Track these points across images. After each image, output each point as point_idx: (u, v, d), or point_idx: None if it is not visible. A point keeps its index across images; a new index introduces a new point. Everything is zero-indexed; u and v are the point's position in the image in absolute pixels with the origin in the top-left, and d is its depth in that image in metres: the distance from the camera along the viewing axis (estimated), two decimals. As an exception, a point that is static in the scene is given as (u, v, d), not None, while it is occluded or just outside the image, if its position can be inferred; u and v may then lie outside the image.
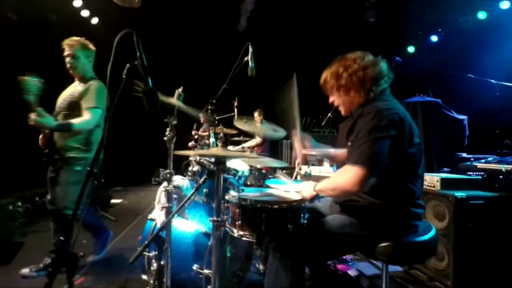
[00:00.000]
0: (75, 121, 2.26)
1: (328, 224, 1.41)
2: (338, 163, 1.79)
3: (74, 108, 2.35)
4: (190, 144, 5.95)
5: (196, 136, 6.03)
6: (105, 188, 5.29)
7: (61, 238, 1.00)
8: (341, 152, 1.83)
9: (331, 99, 1.62)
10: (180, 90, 1.61)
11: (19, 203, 3.70)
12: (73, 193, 2.30)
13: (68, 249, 1.93)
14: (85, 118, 2.30)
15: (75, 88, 2.42)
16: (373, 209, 1.38)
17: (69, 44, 2.40)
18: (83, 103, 2.33)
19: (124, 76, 1.07)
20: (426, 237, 1.37)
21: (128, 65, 1.07)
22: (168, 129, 1.55)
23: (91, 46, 2.50)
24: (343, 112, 1.61)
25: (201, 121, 6.79)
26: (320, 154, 1.88)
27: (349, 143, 1.50)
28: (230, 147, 4.41)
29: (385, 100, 1.46)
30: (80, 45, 2.42)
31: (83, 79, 2.44)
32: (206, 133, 6.20)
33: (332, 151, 1.88)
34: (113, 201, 5.08)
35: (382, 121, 1.31)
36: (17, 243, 3.06)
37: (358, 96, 1.48)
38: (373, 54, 1.55)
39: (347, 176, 1.28)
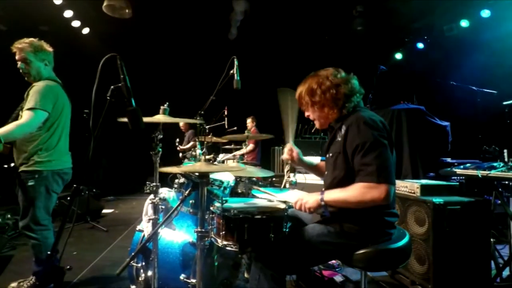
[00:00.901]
0: (3, 128, 1.94)
1: (308, 233, 1.47)
2: (321, 175, 1.84)
3: None
4: (181, 156, 6.02)
5: (181, 151, 6.17)
6: (96, 198, 5.28)
7: (49, 252, 1.03)
8: (321, 163, 1.90)
9: (306, 114, 1.70)
10: (165, 105, 1.67)
11: (8, 216, 3.70)
12: (30, 211, 2.15)
13: (55, 263, 1.95)
14: (18, 121, 2.02)
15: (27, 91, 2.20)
16: (349, 218, 1.45)
17: (19, 48, 2.14)
18: (25, 105, 2.08)
19: (108, 97, 1.13)
20: (400, 244, 1.44)
21: (112, 87, 1.13)
22: (153, 143, 1.61)
23: (47, 47, 2.24)
24: (317, 126, 1.70)
25: (182, 129, 6.85)
26: (305, 168, 1.93)
27: (330, 155, 1.57)
28: (221, 155, 4.47)
29: (363, 111, 1.54)
30: (32, 47, 2.15)
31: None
32: (190, 144, 6.27)
33: (316, 162, 1.94)
34: (104, 211, 5.07)
35: (376, 128, 1.40)
36: (6, 256, 3.05)
37: (332, 112, 1.57)
38: (361, 61, 1.64)
39: (374, 194, 1.33)
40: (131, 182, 7.39)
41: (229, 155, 4.66)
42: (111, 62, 1.14)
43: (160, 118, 1.68)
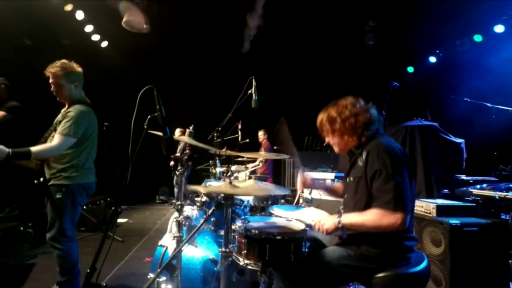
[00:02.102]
0: (35, 148, 2.12)
1: (328, 255, 1.52)
2: (337, 196, 1.91)
3: None
4: (171, 163, 5.97)
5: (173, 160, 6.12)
6: (110, 207, 5.40)
7: (88, 271, 1.10)
8: (337, 185, 1.98)
9: (326, 139, 1.77)
10: (191, 128, 1.76)
11: (30, 224, 3.82)
12: (58, 223, 2.28)
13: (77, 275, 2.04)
14: (50, 144, 2.22)
15: (62, 113, 2.39)
16: (368, 242, 1.49)
17: (52, 73, 2.31)
18: (58, 128, 2.25)
19: (145, 126, 1.22)
20: (418, 268, 1.47)
21: (149, 116, 1.22)
22: (180, 164, 1.69)
23: (76, 69, 2.39)
24: (336, 150, 1.76)
25: (175, 138, 6.87)
26: (320, 188, 2.01)
27: (351, 179, 1.63)
28: (233, 167, 4.53)
29: (383, 137, 1.61)
30: (63, 70, 2.31)
31: (71, 104, 2.38)
32: (187, 152, 6.25)
33: (331, 185, 2.02)
34: (118, 220, 5.17)
35: (394, 156, 1.46)
36: (28, 264, 3.15)
37: (352, 139, 1.64)
38: (373, 75, 1.70)
39: (390, 221, 1.38)
40: (143, 191, 7.51)
41: (242, 168, 4.71)
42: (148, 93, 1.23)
43: (185, 139, 1.76)
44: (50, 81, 2.32)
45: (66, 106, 2.43)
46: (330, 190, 1.98)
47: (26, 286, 2.71)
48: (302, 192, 2.00)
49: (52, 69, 2.30)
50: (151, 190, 7.45)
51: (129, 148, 1.18)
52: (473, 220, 2.23)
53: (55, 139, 2.23)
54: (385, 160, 1.46)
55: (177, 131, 6.74)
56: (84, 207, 4.69)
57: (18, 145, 2.09)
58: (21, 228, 3.72)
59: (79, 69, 2.44)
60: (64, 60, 2.37)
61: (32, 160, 2.32)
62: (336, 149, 1.73)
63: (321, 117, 1.71)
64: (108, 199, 5.31)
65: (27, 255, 3.30)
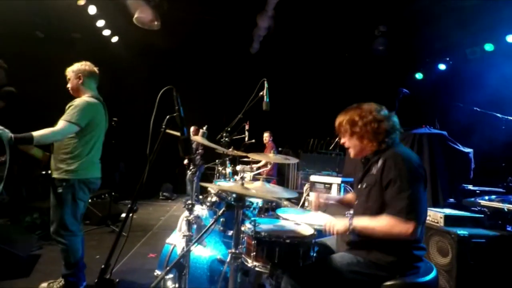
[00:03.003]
0: (37, 132, 2.14)
1: (337, 261, 1.53)
2: (349, 207, 1.92)
3: None
4: (185, 162, 6.03)
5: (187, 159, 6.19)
6: (115, 202, 5.43)
7: (102, 266, 1.12)
8: (348, 196, 2.00)
9: (342, 141, 1.76)
10: (204, 128, 1.77)
11: (36, 215, 3.86)
12: (59, 217, 2.32)
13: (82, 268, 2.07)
14: (51, 129, 2.22)
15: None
16: (378, 249, 1.49)
17: (68, 71, 2.50)
18: (63, 115, 2.31)
19: (163, 126, 1.23)
20: (427, 278, 1.47)
21: (168, 116, 1.23)
22: (192, 164, 1.70)
23: (86, 67, 2.52)
24: (352, 154, 1.75)
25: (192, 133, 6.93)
26: (333, 200, 2.03)
27: (364, 186, 1.63)
28: (238, 167, 4.55)
29: (400, 147, 1.61)
30: (72, 71, 2.48)
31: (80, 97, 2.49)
32: (200, 151, 6.29)
33: (340, 197, 2.04)
34: (123, 215, 5.20)
35: (411, 167, 1.47)
36: (34, 255, 3.19)
37: (371, 145, 1.64)
38: (382, 80, 1.70)
39: (402, 229, 1.39)
40: (147, 187, 7.55)
41: (247, 168, 4.72)
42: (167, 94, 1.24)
43: (198, 139, 1.77)
44: (68, 84, 2.52)
45: None
46: (342, 202, 2.00)
47: (31, 277, 2.74)
48: (308, 190, 2.01)
49: (72, 73, 2.50)
50: (154, 186, 7.48)
51: (147, 147, 1.19)
52: (481, 232, 2.23)
53: (58, 124, 2.26)
54: (402, 170, 1.46)
55: (191, 129, 6.77)
56: (90, 200, 4.75)
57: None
58: (29, 219, 3.77)
59: (87, 67, 2.53)
60: (83, 63, 2.53)
61: (38, 149, 2.37)
62: (352, 152, 1.72)
63: (342, 118, 1.70)
64: (113, 193, 5.36)
65: (34, 246, 3.33)
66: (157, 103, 1.20)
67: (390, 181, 1.47)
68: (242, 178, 1.51)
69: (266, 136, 6.32)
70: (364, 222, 1.50)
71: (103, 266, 1.14)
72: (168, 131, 1.29)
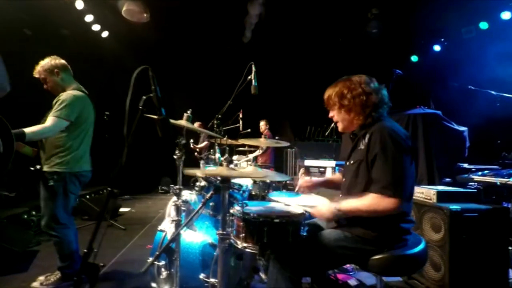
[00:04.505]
0: (29, 129, 2.14)
1: (325, 237, 1.52)
2: (337, 187, 1.90)
3: None
4: (196, 154, 6.12)
5: (196, 149, 6.26)
6: (113, 197, 5.45)
7: (85, 250, 1.11)
8: (335, 177, 2.00)
9: (331, 114, 1.73)
10: (189, 112, 1.75)
11: (33, 212, 3.87)
12: (50, 210, 2.32)
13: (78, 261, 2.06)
14: (42, 125, 2.23)
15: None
16: (365, 224, 1.48)
17: (37, 72, 2.43)
18: (51, 111, 2.30)
19: (140, 107, 1.21)
20: (415, 250, 1.47)
21: (144, 97, 1.21)
22: (177, 148, 1.69)
23: (56, 62, 2.45)
24: (340, 128, 1.73)
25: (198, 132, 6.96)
26: (323, 187, 2.00)
27: (352, 162, 1.61)
28: (235, 157, 4.54)
29: (388, 121, 1.58)
30: (44, 69, 2.41)
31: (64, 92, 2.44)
32: (205, 143, 6.35)
33: (329, 177, 2.01)
34: (121, 209, 5.22)
35: (398, 141, 1.44)
36: (32, 251, 3.21)
37: (358, 118, 1.60)
38: (376, 63, 1.66)
39: (386, 206, 1.39)
40: (146, 181, 7.57)
41: (244, 158, 4.72)
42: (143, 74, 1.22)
43: (183, 123, 1.76)
44: (41, 81, 2.44)
45: None
46: (329, 183, 1.97)
47: (29, 272, 2.75)
48: (303, 175, 1.97)
49: (38, 69, 2.42)
50: (153, 180, 7.49)
51: (124, 129, 1.17)
52: (473, 206, 2.22)
53: (48, 121, 2.25)
54: (388, 144, 1.44)
55: (196, 125, 6.77)
56: (87, 196, 4.76)
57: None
58: (25, 216, 3.78)
59: (58, 61, 2.47)
60: (46, 58, 2.46)
61: (28, 147, 2.35)
62: (340, 126, 1.70)
63: (331, 90, 1.66)
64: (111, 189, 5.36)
65: (31, 242, 3.35)
66: (132, 84, 1.17)
67: (375, 155, 1.45)
68: (227, 160, 1.49)
69: (262, 124, 6.30)
70: (350, 204, 1.49)
71: (85, 250, 1.13)
72: (147, 115, 1.26)
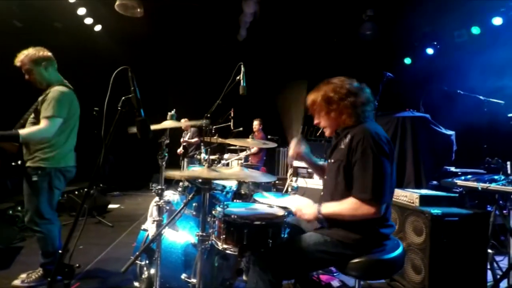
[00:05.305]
0: (24, 130, 2.14)
1: (305, 241, 1.53)
2: (319, 174, 1.86)
3: (38, 116, 2.28)
4: (179, 151, 6.05)
5: (185, 144, 6.19)
6: (102, 193, 5.41)
7: (60, 251, 1.11)
8: (324, 166, 1.90)
9: (316, 120, 1.70)
10: (173, 112, 1.75)
11: (19, 208, 3.82)
12: (34, 205, 2.29)
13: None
14: (38, 127, 2.21)
15: (41, 95, 2.36)
16: (345, 229, 1.50)
17: (20, 61, 2.31)
18: (42, 112, 2.24)
19: (119, 108, 1.20)
20: (393, 254, 1.49)
21: (123, 98, 1.20)
22: (160, 148, 1.68)
23: (44, 53, 2.35)
24: (327, 133, 1.70)
25: (183, 128, 6.87)
26: (309, 165, 1.93)
27: (332, 161, 1.61)
28: (226, 155, 4.54)
29: (370, 123, 1.58)
30: (30, 59, 2.30)
31: (48, 87, 2.36)
32: (195, 140, 6.31)
33: (321, 163, 1.95)
34: (110, 206, 5.18)
35: (379, 144, 1.44)
36: (16, 247, 3.17)
37: (349, 120, 1.57)
38: (369, 65, 1.65)
39: (365, 210, 1.40)
40: (137, 178, 7.53)
41: (234, 157, 4.72)
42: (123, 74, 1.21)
43: (166, 124, 1.75)
44: (23, 71, 2.33)
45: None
46: (318, 168, 1.92)
47: (12, 268, 2.73)
48: (291, 176, 1.97)
49: (19, 59, 2.31)
50: (144, 177, 7.45)
51: (102, 130, 1.16)
52: (454, 210, 2.26)
53: (42, 123, 2.21)
54: (368, 147, 1.44)
55: (183, 121, 6.69)
56: (76, 192, 4.72)
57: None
58: (10, 211, 3.73)
59: (45, 53, 2.39)
60: (30, 48, 2.36)
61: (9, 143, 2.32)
62: (327, 131, 1.67)
63: (315, 95, 1.63)
64: (100, 185, 5.32)
65: (15, 238, 3.32)
66: (111, 84, 1.16)
67: (356, 159, 1.46)
68: (208, 161, 1.49)
69: (256, 124, 6.28)
70: (331, 208, 1.50)
71: (60, 251, 1.12)
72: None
